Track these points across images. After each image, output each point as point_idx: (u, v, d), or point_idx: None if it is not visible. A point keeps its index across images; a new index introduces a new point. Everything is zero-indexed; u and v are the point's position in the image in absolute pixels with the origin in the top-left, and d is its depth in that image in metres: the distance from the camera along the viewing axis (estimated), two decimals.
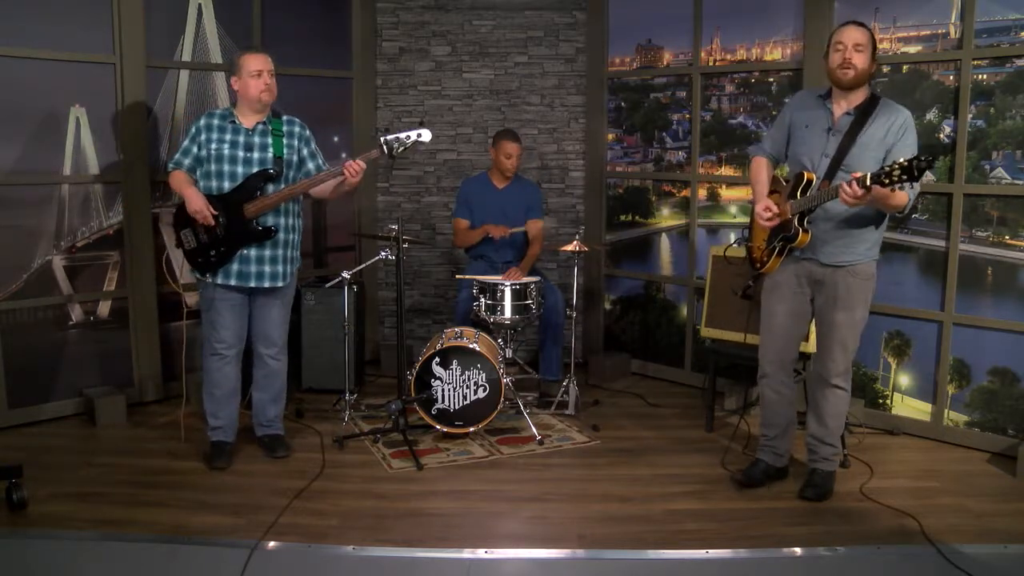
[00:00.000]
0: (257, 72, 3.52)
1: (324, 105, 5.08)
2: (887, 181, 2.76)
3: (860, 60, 3.06)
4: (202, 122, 3.57)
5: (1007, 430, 3.79)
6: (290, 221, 3.63)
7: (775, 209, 3.21)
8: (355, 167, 3.49)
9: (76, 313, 4.28)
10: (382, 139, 3.54)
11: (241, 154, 3.53)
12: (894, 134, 3.07)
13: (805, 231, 3.14)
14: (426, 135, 3.56)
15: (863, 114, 3.11)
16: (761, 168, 3.38)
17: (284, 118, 3.66)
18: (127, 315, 4.39)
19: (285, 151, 3.58)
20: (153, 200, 4.37)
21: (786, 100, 4.32)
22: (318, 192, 3.67)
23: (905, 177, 2.73)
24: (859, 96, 3.14)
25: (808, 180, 3.13)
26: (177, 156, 3.59)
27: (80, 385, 4.28)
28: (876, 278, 3.26)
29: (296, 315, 4.63)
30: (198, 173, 3.57)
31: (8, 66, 3.92)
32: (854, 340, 3.26)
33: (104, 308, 4.37)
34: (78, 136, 4.17)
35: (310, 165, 3.68)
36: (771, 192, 3.32)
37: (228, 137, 3.54)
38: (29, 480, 3.24)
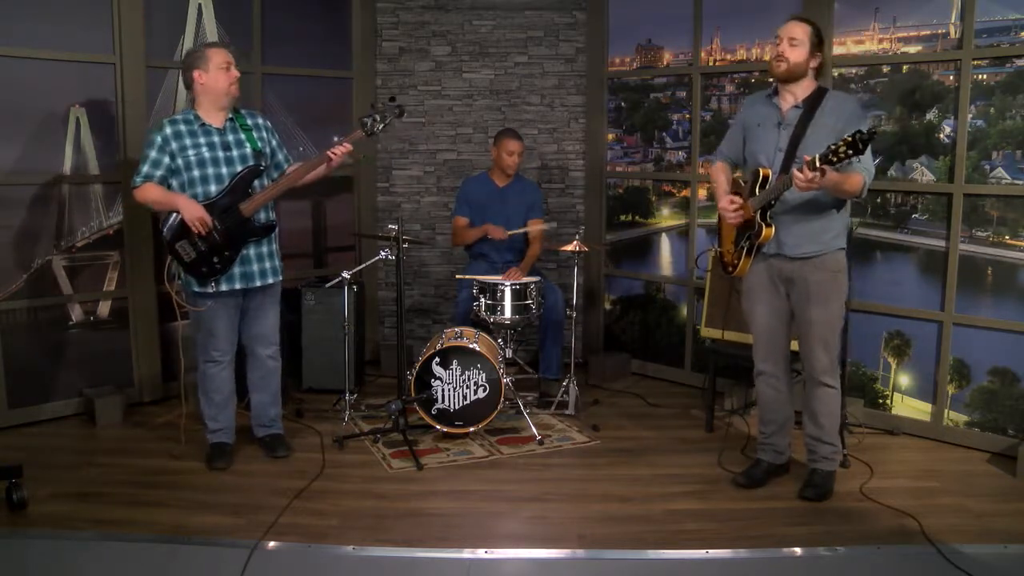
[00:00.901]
0: (226, 65, 3.46)
1: (324, 105, 5.09)
2: (834, 159, 2.79)
3: (794, 54, 3.14)
4: (167, 130, 3.42)
5: (1007, 430, 3.79)
6: (274, 215, 3.64)
7: (738, 201, 3.27)
8: (342, 149, 3.51)
9: (76, 313, 4.28)
10: (361, 120, 3.58)
11: (221, 155, 3.47)
12: (844, 120, 3.10)
13: (768, 225, 3.18)
14: (400, 110, 3.62)
15: (811, 105, 3.16)
16: (719, 171, 3.44)
17: (244, 112, 3.63)
18: (127, 315, 4.39)
19: (259, 144, 3.55)
20: None
21: None
22: (308, 180, 3.64)
23: (851, 152, 2.75)
24: (806, 89, 3.20)
25: (764, 176, 3.18)
26: (146, 169, 3.40)
27: (80, 385, 4.28)
28: (847, 271, 3.28)
29: (296, 315, 4.64)
30: (176, 183, 3.44)
31: (8, 66, 3.92)
32: (834, 336, 3.27)
33: (104, 308, 4.37)
34: (78, 136, 4.17)
35: (279, 156, 3.68)
36: (734, 194, 3.36)
37: (202, 140, 3.45)
38: (29, 480, 3.24)
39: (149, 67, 4.30)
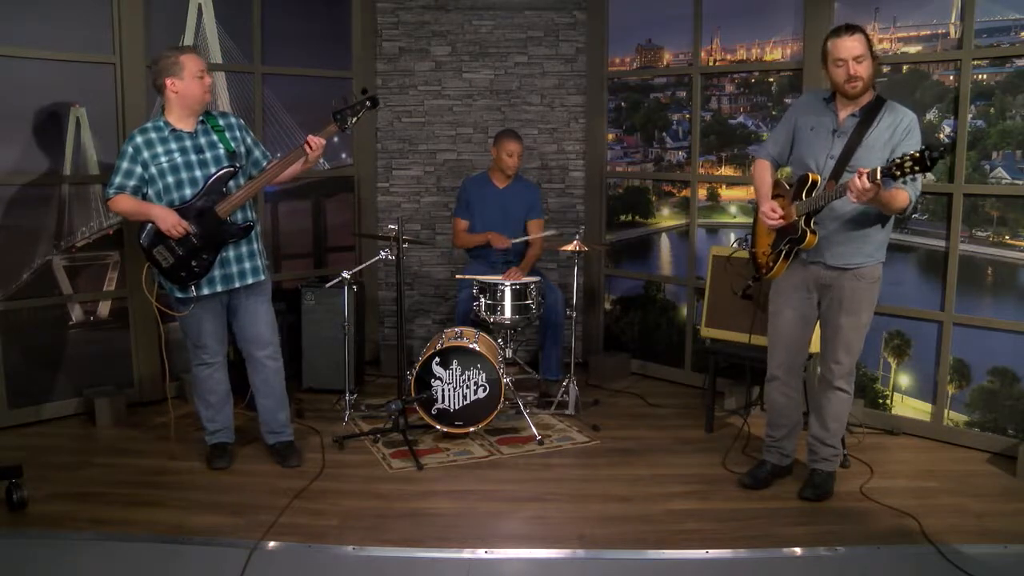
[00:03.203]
0: (201, 72, 3.40)
1: (324, 105, 5.04)
2: (898, 173, 2.73)
3: (864, 70, 3.05)
4: (138, 140, 3.37)
5: (1007, 430, 3.79)
6: (253, 213, 3.58)
7: (780, 211, 3.20)
8: (316, 142, 3.46)
9: (76, 313, 4.28)
10: (333, 113, 3.54)
11: (194, 158, 3.41)
12: (899, 135, 3.05)
13: (813, 232, 3.12)
14: (373, 102, 3.59)
15: (869, 115, 3.10)
16: (764, 170, 3.36)
17: (216, 112, 3.58)
18: (127, 315, 4.39)
19: (233, 144, 3.50)
20: None
21: (788, 101, 4.32)
22: (282, 178, 3.60)
23: (917, 168, 2.69)
24: (865, 98, 3.13)
25: (813, 181, 3.12)
26: (118, 180, 3.36)
27: (80, 385, 4.28)
28: (881, 280, 3.25)
29: (296, 315, 4.64)
30: (152, 192, 3.39)
31: (8, 66, 3.92)
32: (858, 343, 3.26)
33: (104, 308, 4.37)
34: (78, 136, 4.17)
35: (256, 153, 3.63)
36: (774, 196, 3.30)
37: (173, 146, 3.39)
38: (29, 480, 3.24)
39: (149, 67, 4.28)
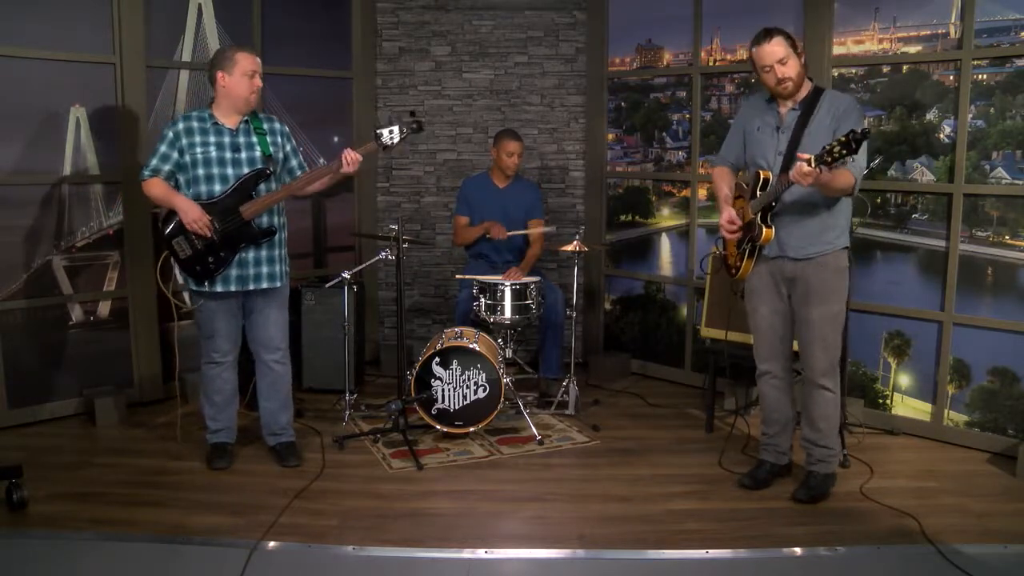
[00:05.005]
0: (252, 72, 3.42)
1: (324, 105, 5.09)
2: (829, 159, 2.79)
3: (790, 70, 3.12)
4: (180, 126, 3.41)
5: (1007, 430, 3.79)
6: (281, 219, 3.58)
7: (738, 221, 3.28)
8: (352, 157, 3.41)
9: (76, 313, 4.28)
10: (376, 132, 3.48)
11: (229, 155, 3.42)
12: (839, 117, 3.11)
13: (768, 226, 3.18)
14: (419, 126, 3.52)
15: (808, 107, 3.18)
16: (722, 177, 3.43)
17: (262, 115, 3.58)
18: (127, 315, 4.39)
19: (271, 149, 3.50)
20: None
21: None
22: (313, 188, 3.59)
23: (845, 152, 2.75)
24: (803, 91, 3.21)
25: (765, 179, 3.18)
26: (154, 163, 3.41)
27: (80, 385, 4.28)
28: (848, 270, 3.27)
29: (296, 315, 4.64)
30: (182, 180, 3.43)
31: (8, 66, 3.92)
32: (835, 336, 3.26)
33: (104, 308, 4.37)
34: (78, 136, 4.18)
35: (293, 162, 3.62)
36: (737, 198, 3.37)
37: (212, 139, 3.42)
38: (29, 480, 3.24)
39: (149, 67, 4.30)
